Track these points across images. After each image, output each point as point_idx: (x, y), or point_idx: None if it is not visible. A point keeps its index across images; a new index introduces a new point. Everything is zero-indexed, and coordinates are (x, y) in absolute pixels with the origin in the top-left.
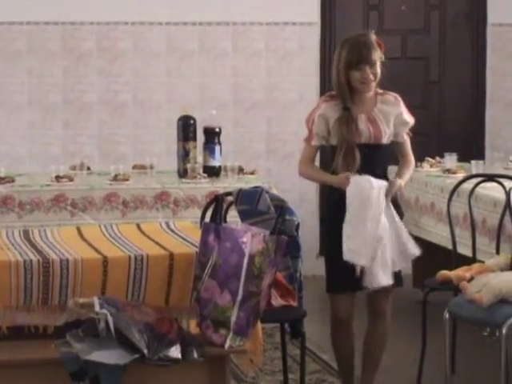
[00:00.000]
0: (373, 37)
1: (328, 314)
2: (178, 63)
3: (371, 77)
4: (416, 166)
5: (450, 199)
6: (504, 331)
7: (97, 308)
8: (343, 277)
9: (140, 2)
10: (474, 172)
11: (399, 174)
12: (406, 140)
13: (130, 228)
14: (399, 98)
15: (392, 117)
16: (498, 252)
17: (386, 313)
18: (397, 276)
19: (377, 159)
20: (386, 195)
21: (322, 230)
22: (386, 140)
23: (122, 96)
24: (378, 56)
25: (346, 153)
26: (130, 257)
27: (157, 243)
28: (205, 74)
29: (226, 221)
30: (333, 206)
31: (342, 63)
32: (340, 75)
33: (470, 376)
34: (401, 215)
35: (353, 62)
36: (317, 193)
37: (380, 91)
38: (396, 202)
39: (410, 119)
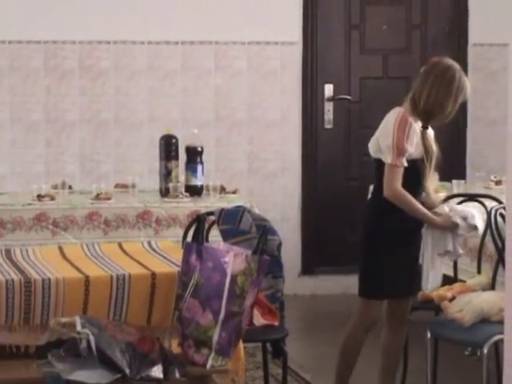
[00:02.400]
0: None
1: (310, 334)
2: (161, 82)
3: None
4: None
5: None
6: (485, 351)
7: (78, 328)
8: (393, 282)
9: (122, 21)
10: (455, 191)
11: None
12: None
13: (112, 247)
14: None
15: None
16: (479, 272)
17: (407, 319)
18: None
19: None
20: None
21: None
22: None
23: (104, 115)
24: None
25: (430, 167)
26: (111, 276)
27: (139, 262)
28: (187, 93)
29: (207, 240)
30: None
31: (463, 93)
32: (454, 103)
33: None
34: None
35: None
36: (298, 212)
37: None
38: None
39: None
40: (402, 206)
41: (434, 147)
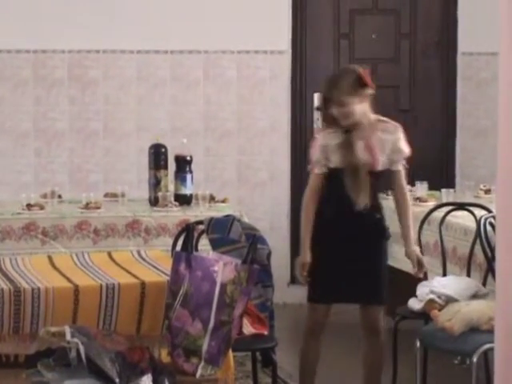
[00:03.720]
0: (351, 76)
1: (299, 343)
2: (150, 91)
3: (342, 116)
4: (387, 195)
5: (420, 227)
6: (475, 360)
7: (68, 337)
8: (325, 287)
9: (111, 31)
10: (444, 200)
11: (404, 232)
12: (401, 170)
13: (102, 256)
14: (399, 128)
15: (388, 145)
16: None
17: (379, 328)
18: (382, 293)
19: (370, 184)
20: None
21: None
22: (380, 167)
23: (94, 124)
24: (346, 97)
25: (353, 175)
26: (101, 285)
27: (128, 272)
28: (176, 103)
29: (197, 249)
30: (325, 222)
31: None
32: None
33: None
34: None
35: (324, 101)
36: (287, 221)
37: (382, 118)
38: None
39: (405, 149)
40: (302, 213)
41: (359, 156)
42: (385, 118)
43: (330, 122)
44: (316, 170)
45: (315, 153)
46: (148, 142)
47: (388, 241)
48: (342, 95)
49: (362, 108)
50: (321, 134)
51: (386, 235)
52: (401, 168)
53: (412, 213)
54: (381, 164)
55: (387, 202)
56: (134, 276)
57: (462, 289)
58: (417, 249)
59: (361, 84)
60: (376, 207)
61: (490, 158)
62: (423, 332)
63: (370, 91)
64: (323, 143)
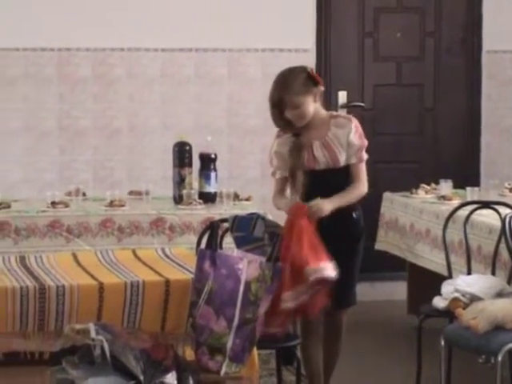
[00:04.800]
0: (300, 75)
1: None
2: (174, 89)
3: (297, 117)
4: (411, 193)
5: (445, 226)
6: (500, 358)
7: (93, 334)
8: None
9: (136, 29)
10: (469, 199)
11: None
12: (357, 163)
13: (126, 254)
14: (352, 120)
15: (343, 139)
16: None
17: (341, 331)
18: (352, 295)
19: (339, 182)
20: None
21: None
22: (344, 162)
23: (118, 122)
24: (300, 97)
25: (292, 181)
26: (125, 283)
27: (153, 269)
28: (200, 101)
29: (221, 247)
30: None
31: (270, 102)
32: (271, 110)
33: None
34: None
35: (273, 103)
36: None
37: (334, 114)
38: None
39: (357, 141)
40: (280, 210)
41: (302, 159)
42: (337, 113)
43: (281, 126)
44: (276, 176)
45: (273, 159)
46: (172, 140)
47: (363, 240)
48: (295, 96)
49: (315, 107)
50: (275, 141)
51: (361, 235)
52: (355, 161)
53: (350, 200)
54: (342, 160)
55: (411, 201)
56: (159, 274)
57: (487, 287)
58: (325, 206)
59: (313, 82)
60: (352, 206)
61: None
62: (448, 330)
63: (321, 88)
64: (277, 150)
